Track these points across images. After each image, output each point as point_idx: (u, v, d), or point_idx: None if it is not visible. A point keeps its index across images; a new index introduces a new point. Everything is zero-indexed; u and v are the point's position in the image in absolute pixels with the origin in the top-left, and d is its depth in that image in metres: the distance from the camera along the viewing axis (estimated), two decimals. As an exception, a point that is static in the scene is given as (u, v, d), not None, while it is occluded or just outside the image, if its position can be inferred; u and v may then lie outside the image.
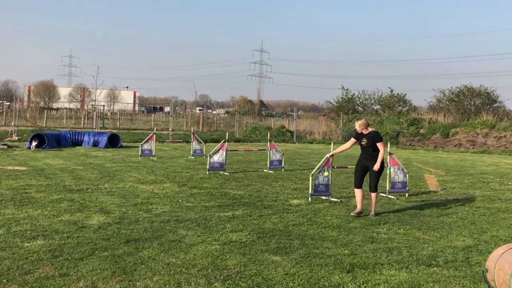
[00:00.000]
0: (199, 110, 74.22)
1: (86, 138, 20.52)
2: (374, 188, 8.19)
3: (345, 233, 6.80)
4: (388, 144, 11.39)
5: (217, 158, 13.09)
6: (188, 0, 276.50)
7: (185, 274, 4.90)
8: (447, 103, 40.65)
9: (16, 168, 12.65)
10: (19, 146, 18.82)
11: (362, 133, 8.28)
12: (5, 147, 18.05)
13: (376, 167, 8.04)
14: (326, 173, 9.25)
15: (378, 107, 44.79)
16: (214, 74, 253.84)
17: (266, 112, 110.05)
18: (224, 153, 13.21)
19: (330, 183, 9.43)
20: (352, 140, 8.49)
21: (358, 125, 8.30)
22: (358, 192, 8.28)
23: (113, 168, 13.21)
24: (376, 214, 8.17)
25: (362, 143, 8.25)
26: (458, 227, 7.48)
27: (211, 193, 9.78)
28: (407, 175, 10.48)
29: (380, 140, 8.20)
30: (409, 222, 7.67)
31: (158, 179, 11.46)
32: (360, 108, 45.74)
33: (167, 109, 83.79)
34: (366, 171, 8.28)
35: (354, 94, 46.02)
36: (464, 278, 5.05)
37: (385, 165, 9.16)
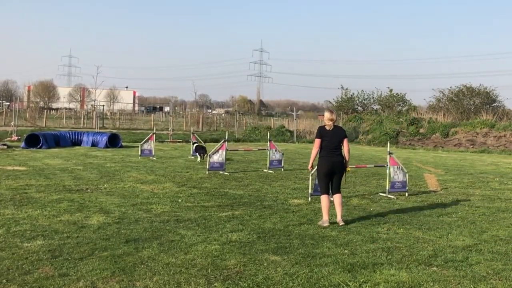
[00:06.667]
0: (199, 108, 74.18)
1: (85, 138, 20.53)
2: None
3: (345, 233, 6.80)
4: (388, 144, 11.40)
5: (217, 158, 13.09)
6: (188, 0, 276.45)
7: (185, 274, 4.90)
8: (447, 102, 40.67)
9: (15, 168, 12.65)
10: (19, 146, 18.81)
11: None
12: (5, 147, 18.04)
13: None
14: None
15: (378, 106, 44.85)
16: (214, 74, 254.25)
17: (266, 112, 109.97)
18: (224, 153, 13.21)
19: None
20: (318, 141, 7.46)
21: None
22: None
23: (113, 168, 13.21)
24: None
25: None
26: (458, 226, 7.48)
27: (210, 193, 9.77)
28: (407, 175, 10.47)
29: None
30: (409, 222, 7.67)
31: (157, 179, 11.45)
32: (359, 108, 45.81)
33: (166, 109, 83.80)
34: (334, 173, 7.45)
35: (353, 94, 46.15)
36: (464, 277, 5.04)
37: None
